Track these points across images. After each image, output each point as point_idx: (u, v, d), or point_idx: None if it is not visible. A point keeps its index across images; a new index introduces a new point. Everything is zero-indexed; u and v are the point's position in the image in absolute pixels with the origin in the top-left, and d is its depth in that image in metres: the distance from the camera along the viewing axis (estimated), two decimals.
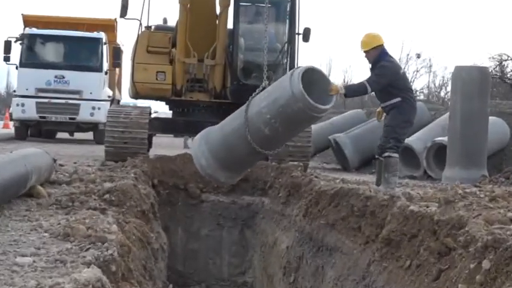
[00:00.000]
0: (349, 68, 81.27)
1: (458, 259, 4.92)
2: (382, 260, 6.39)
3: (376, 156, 9.44)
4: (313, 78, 7.49)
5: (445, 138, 14.47)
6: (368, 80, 9.00)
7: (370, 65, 9.26)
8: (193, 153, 8.56)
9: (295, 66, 13.43)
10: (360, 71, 67.06)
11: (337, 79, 50.30)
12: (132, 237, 6.03)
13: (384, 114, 9.51)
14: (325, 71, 9.05)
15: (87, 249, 4.41)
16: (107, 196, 7.04)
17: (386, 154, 8.93)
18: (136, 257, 5.92)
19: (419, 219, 5.97)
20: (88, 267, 3.87)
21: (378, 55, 9.09)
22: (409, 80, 28.94)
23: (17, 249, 4.47)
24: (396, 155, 8.92)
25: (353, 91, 9.34)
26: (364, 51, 9.18)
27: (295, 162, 12.46)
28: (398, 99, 8.98)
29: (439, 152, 14.87)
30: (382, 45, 9.17)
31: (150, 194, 9.40)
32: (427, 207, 6.29)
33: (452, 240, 5.23)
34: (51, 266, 4.02)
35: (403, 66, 48.25)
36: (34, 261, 4.11)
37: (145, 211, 7.93)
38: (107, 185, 7.60)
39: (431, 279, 5.24)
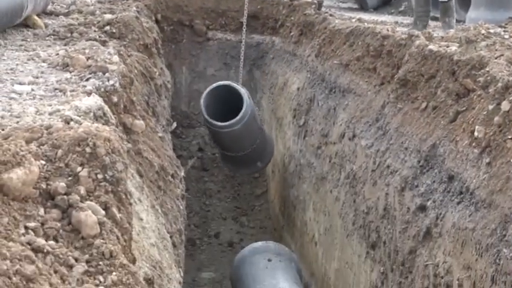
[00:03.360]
0: None
1: (476, 100, 4.97)
2: (397, 101, 6.45)
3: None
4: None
5: None
6: None
7: None
8: None
9: None
10: None
11: None
12: (134, 71, 6.09)
13: None
14: None
15: (88, 79, 4.48)
16: (107, 28, 7.05)
17: None
18: (139, 91, 6.02)
19: (438, 59, 5.98)
20: (89, 96, 3.94)
21: None
22: None
23: (14, 78, 4.55)
24: None
25: None
26: None
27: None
28: None
29: None
30: None
31: (153, 29, 9.39)
32: (447, 47, 6.29)
33: (471, 81, 5.26)
34: (50, 95, 4.10)
35: None
36: (32, 90, 4.20)
37: (148, 45, 7.94)
38: (108, 16, 7.58)
39: (447, 121, 5.32)
